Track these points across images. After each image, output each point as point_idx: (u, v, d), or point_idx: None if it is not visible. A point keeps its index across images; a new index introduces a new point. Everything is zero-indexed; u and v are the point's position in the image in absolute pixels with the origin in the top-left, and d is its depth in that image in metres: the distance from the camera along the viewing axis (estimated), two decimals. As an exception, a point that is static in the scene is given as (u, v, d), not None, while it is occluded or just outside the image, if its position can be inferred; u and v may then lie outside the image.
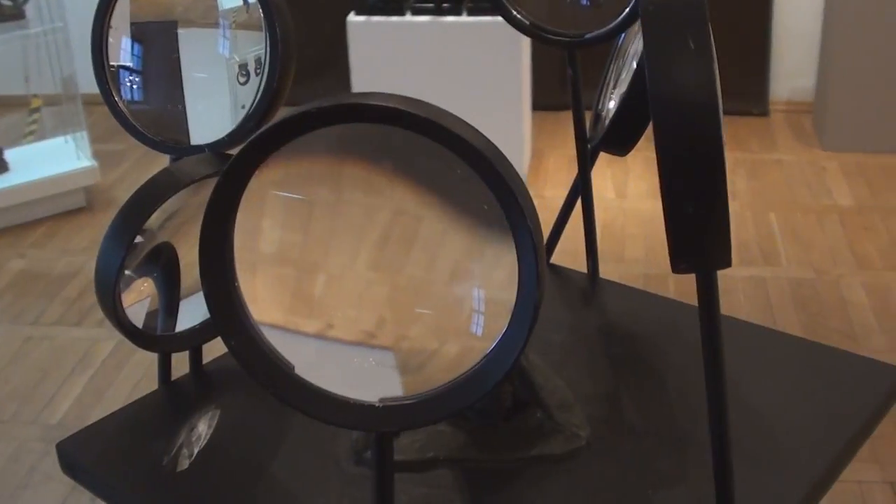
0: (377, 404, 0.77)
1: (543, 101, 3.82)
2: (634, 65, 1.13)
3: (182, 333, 1.12)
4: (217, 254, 0.75)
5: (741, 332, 1.22)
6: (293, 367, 0.78)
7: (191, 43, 1.08)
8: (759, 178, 3.44)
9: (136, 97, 1.13)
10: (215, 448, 1.06)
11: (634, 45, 1.17)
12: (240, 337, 0.77)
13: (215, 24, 1.08)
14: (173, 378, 1.17)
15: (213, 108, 1.09)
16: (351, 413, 0.77)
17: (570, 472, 1.01)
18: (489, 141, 0.71)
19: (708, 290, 0.77)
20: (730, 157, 3.57)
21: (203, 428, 1.09)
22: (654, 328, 1.22)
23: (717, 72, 0.67)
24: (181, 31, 1.07)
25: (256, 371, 0.77)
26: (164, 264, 1.11)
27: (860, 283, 2.88)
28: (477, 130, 0.71)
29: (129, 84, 1.12)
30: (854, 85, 3.47)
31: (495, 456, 1.02)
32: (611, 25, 1.13)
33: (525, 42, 3.55)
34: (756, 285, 2.83)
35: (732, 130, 3.75)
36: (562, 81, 4.01)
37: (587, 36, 1.16)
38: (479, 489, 0.98)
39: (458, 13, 3.46)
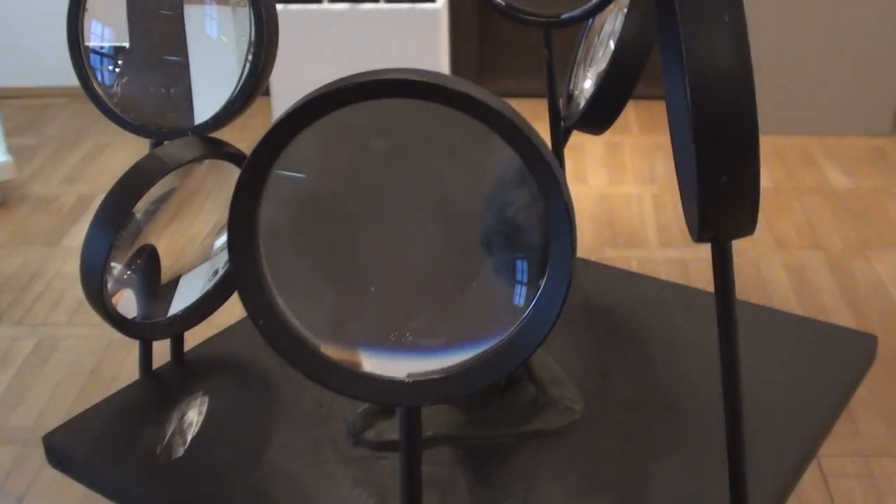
0: (406, 379, 0.79)
1: (462, 88, 3.84)
2: (612, 45, 1.15)
3: (167, 321, 1.12)
4: (245, 235, 0.76)
5: (708, 304, 1.26)
6: (319, 346, 0.79)
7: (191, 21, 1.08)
8: (678, 162, 3.52)
9: (108, 81, 1.12)
10: (208, 434, 1.06)
11: (609, 24, 1.19)
12: (268, 317, 0.78)
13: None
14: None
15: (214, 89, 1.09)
16: (379, 388, 0.79)
17: (567, 444, 1.03)
18: (519, 113, 0.72)
19: (726, 259, 0.80)
20: (648, 140, 3.65)
21: (193, 415, 1.09)
22: (634, 304, 1.26)
23: (748, 44, 0.70)
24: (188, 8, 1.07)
25: (283, 349, 0.78)
26: (146, 253, 1.10)
27: (779, 262, 2.96)
28: (507, 103, 0.72)
29: (104, 69, 1.11)
30: (768, 69, 3.56)
31: (493, 432, 1.04)
32: (588, 6, 1.16)
33: (443, 29, 3.58)
34: (678, 266, 2.89)
35: (649, 115, 3.83)
36: (478, 69, 4.05)
37: (563, 16, 1.18)
38: (480, 464, 1.00)
39: (376, 0, 3.47)
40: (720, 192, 0.71)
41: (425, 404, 0.79)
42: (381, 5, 3.47)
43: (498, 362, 0.77)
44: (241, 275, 0.77)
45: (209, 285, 1.13)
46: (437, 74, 0.71)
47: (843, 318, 2.64)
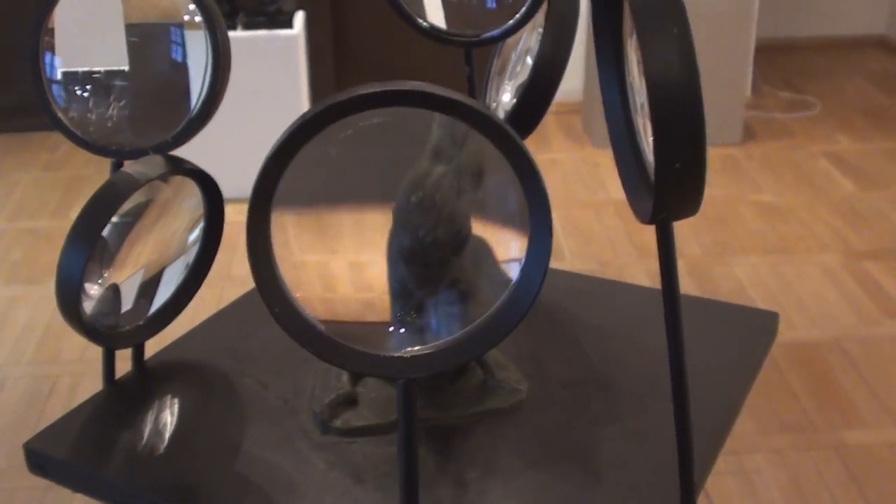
0: (404, 355, 0.92)
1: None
2: (529, 60, 1.31)
3: (133, 329, 1.22)
4: (261, 233, 0.88)
5: (630, 294, 1.44)
6: (324, 329, 0.92)
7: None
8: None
9: (70, 107, 1.22)
10: (184, 432, 1.17)
11: (524, 42, 1.36)
12: (281, 306, 0.90)
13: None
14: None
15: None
16: (380, 363, 0.92)
17: (517, 421, 1.18)
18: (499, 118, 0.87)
19: (671, 238, 0.97)
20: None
21: (166, 416, 1.20)
22: (560, 296, 1.42)
23: (695, 51, 0.86)
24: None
25: (296, 334, 0.91)
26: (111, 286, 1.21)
27: (643, 270, 3.17)
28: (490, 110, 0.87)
29: (62, 93, 1.21)
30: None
31: (449, 413, 1.18)
32: (505, 27, 1.31)
33: (301, 54, 3.70)
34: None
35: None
36: (335, 91, 4.19)
37: (483, 36, 1.33)
38: (443, 443, 1.14)
39: (233, 27, 3.57)
40: (675, 177, 0.87)
41: (421, 375, 0.92)
42: (240, 32, 3.58)
43: (489, 333, 0.91)
44: (258, 270, 0.89)
45: (181, 278, 1.24)
46: (428, 85, 0.85)
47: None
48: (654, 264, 3.16)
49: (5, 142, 4.33)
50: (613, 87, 1.05)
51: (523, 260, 0.89)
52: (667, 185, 0.88)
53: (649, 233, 3.32)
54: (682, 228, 3.34)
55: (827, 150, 4.05)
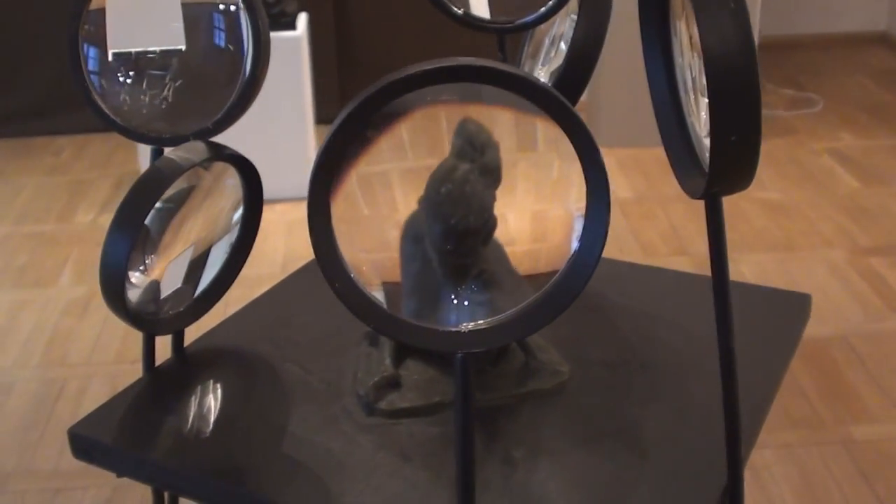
0: (462, 329, 0.94)
1: (327, 115, 3.98)
2: (563, 46, 1.33)
3: (175, 315, 1.23)
4: (323, 210, 0.89)
5: (664, 278, 1.46)
6: (384, 304, 0.93)
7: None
8: (543, 177, 3.73)
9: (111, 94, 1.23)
10: (229, 416, 1.18)
11: (557, 27, 1.37)
12: (342, 281, 0.91)
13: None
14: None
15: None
16: (439, 337, 0.93)
17: (561, 401, 1.19)
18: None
19: (719, 213, 0.98)
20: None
21: (210, 400, 1.21)
22: (594, 280, 1.42)
23: (751, 25, 0.88)
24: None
25: (356, 309, 0.92)
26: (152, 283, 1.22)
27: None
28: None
29: (102, 83, 1.22)
30: (626, 84, 3.82)
31: (493, 394, 1.19)
32: (539, 13, 1.32)
33: (304, 56, 3.71)
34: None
35: (511, 133, 4.03)
36: (339, 92, 4.20)
37: (517, 23, 1.35)
38: (489, 423, 1.15)
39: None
40: (730, 150, 0.88)
41: (482, 349, 0.93)
42: (243, 34, 3.58)
43: (543, 310, 0.92)
44: (320, 246, 0.90)
45: (224, 259, 1.25)
46: (490, 61, 0.87)
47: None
48: (659, 263, 3.18)
49: (9, 146, 4.33)
50: (659, 67, 1.06)
51: (581, 232, 0.90)
52: (722, 158, 0.89)
53: (654, 231, 3.34)
54: (687, 226, 3.37)
55: (830, 147, 4.07)
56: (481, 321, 0.93)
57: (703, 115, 0.98)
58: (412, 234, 1.01)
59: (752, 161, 0.90)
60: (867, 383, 2.58)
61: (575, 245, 0.91)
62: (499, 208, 0.98)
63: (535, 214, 1.01)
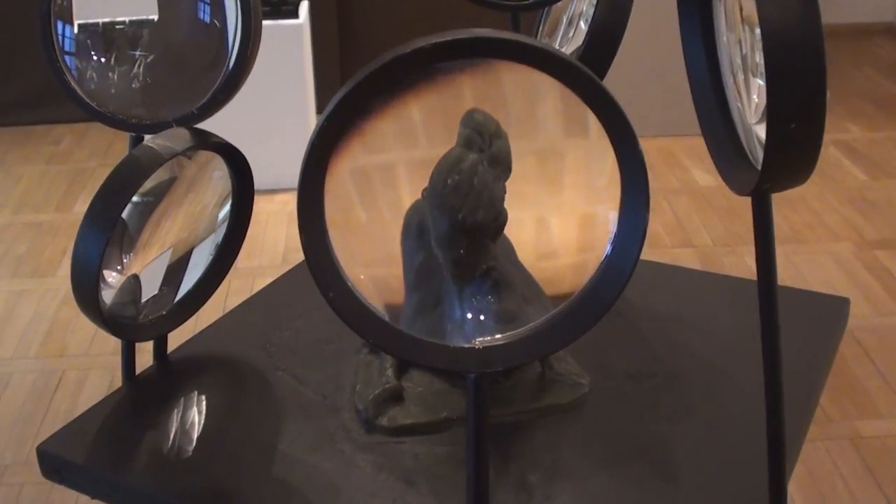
0: (476, 346, 0.78)
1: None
2: (583, 25, 1.18)
3: (156, 320, 1.08)
4: (314, 208, 0.74)
5: (687, 278, 1.30)
6: (386, 317, 0.78)
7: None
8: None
9: (79, 75, 1.08)
10: (214, 432, 1.03)
11: (575, 5, 1.22)
12: (337, 290, 0.76)
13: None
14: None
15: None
16: (450, 356, 0.78)
17: (582, 417, 1.04)
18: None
19: (768, 213, 0.83)
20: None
21: (193, 414, 1.05)
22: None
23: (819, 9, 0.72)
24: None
25: (353, 321, 0.77)
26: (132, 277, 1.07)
27: (654, 257, 3.05)
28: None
29: (79, 65, 1.07)
30: (628, 71, 3.66)
31: (506, 410, 1.04)
32: (556, -10, 1.18)
33: (306, 43, 3.57)
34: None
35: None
36: (341, 80, 4.05)
37: (531, 1, 1.20)
38: (499, 442, 1.00)
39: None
40: (789, 139, 0.73)
41: (498, 369, 0.78)
42: (245, 22, 3.43)
43: (571, 323, 0.77)
44: (311, 250, 0.75)
45: (209, 260, 1.10)
46: (509, 33, 0.71)
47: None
48: (665, 255, 3.06)
49: (8, 135, 4.19)
50: (698, 45, 0.91)
51: (614, 232, 0.75)
52: (779, 149, 0.74)
53: (659, 223, 3.19)
54: (692, 219, 3.23)
55: (837, 139, 3.92)
56: (498, 335, 0.78)
57: (756, 98, 0.82)
58: (415, 226, 0.88)
59: (813, 153, 0.75)
60: (874, 378, 2.47)
61: (608, 248, 0.76)
62: (523, 207, 0.83)
63: (559, 212, 0.86)
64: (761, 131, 0.79)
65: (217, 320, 1.21)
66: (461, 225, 0.85)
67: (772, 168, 0.76)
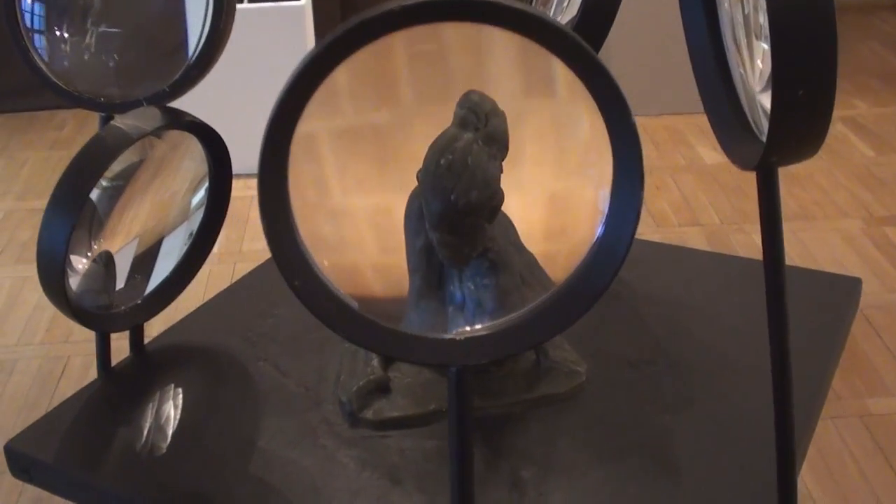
0: (457, 338, 0.71)
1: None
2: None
3: (131, 309, 1.01)
4: (277, 186, 0.67)
5: (689, 259, 1.22)
6: (357, 307, 0.71)
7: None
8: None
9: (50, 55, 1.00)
10: (190, 428, 0.96)
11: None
12: (303, 277, 0.69)
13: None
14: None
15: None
16: (428, 348, 0.71)
17: (577, 409, 0.96)
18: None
19: (774, 188, 0.75)
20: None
21: (169, 408, 0.98)
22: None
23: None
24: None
25: (322, 312, 0.69)
26: (102, 254, 0.99)
27: (660, 240, 2.96)
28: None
29: (45, 43, 1.00)
30: (631, 54, 3.58)
31: (498, 401, 0.97)
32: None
33: (308, 26, 3.49)
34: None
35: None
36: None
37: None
38: (490, 436, 0.93)
39: (240, 1, 3.35)
40: (797, 107, 0.65)
41: (482, 362, 0.71)
42: (246, 5, 3.35)
43: (560, 311, 0.70)
44: (273, 233, 0.67)
45: (184, 248, 1.02)
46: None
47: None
48: (672, 234, 2.99)
49: (11, 121, 4.12)
50: (698, 14, 0.83)
51: (606, 210, 0.67)
52: (785, 119, 0.66)
53: (665, 202, 3.11)
54: (698, 196, 3.15)
55: (844, 115, 3.82)
56: (479, 326, 0.70)
57: (760, 64, 0.74)
58: (417, 207, 0.82)
59: (822, 121, 0.67)
60: (883, 355, 2.39)
61: (599, 230, 0.68)
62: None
63: (544, 190, 0.79)
64: (766, 100, 0.71)
65: (197, 308, 1.14)
66: (454, 206, 0.78)
67: (778, 139, 0.68)
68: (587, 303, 0.68)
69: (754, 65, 0.75)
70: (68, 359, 2.48)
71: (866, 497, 1.94)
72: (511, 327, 0.70)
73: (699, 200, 3.17)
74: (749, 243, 2.90)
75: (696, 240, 2.92)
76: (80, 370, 2.44)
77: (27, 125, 4.08)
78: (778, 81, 0.64)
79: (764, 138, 0.70)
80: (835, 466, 2.02)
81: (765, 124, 0.71)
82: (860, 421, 2.17)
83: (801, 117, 0.66)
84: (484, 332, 0.70)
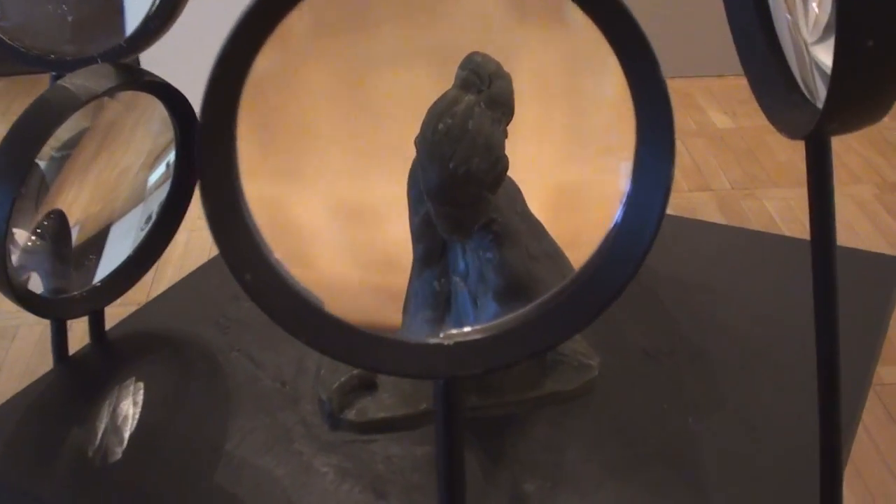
0: (445, 343, 0.56)
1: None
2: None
3: (86, 294, 0.87)
4: (220, 163, 0.52)
5: (710, 235, 1.08)
6: (322, 304, 0.56)
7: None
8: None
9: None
10: (150, 430, 0.82)
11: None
12: (255, 269, 0.54)
13: None
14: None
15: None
16: (408, 356, 0.56)
17: (589, 410, 0.82)
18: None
19: (827, 160, 0.60)
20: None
21: (127, 406, 0.84)
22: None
23: None
24: None
25: (278, 311, 0.55)
26: (54, 216, 0.85)
27: (671, 206, 2.82)
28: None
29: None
30: (643, 13, 3.41)
31: (500, 399, 0.82)
32: None
33: None
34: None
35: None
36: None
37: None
38: (490, 440, 0.79)
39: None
40: (864, 62, 0.50)
41: (475, 373, 0.56)
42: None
43: (574, 309, 0.55)
44: (217, 217, 0.53)
45: (141, 235, 0.88)
46: None
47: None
48: (682, 200, 2.84)
49: (14, 84, 3.97)
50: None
51: (630, 187, 0.53)
52: (850, 77, 0.51)
53: (677, 168, 2.99)
54: (709, 161, 3.00)
55: (857, 78, 3.68)
56: (468, 329, 0.56)
57: (815, 7, 0.59)
58: (418, 176, 0.73)
59: (894, 78, 0.52)
60: (893, 323, 2.25)
61: (619, 212, 0.53)
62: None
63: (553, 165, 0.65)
64: (823, 53, 0.56)
65: (163, 291, 1.00)
66: (453, 175, 0.67)
67: (839, 103, 0.53)
68: (602, 302, 0.54)
69: (807, 8, 0.60)
70: (70, 325, 2.36)
71: (878, 467, 1.83)
72: (510, 331, 0.55)
73: (709, 165, 3.03)
74: (760, 209, 2.78)
75: (706, 206, 2.79)
76: (81, 337, 2.31)
77: (31, 88, 3.94)
78: (842, 29, 0.49)
79: (817, 102, 0.55)
80: (847, 437, 1.91)
81: (818, 84, 0.56)
82: (872, 390, 2.04)
83: (869, 73, 0.51)
84: (478, 337, 0.56)
